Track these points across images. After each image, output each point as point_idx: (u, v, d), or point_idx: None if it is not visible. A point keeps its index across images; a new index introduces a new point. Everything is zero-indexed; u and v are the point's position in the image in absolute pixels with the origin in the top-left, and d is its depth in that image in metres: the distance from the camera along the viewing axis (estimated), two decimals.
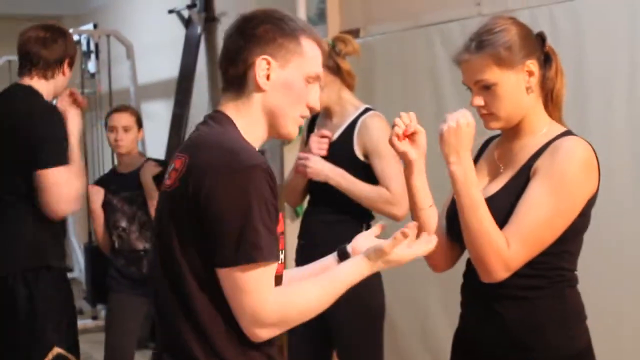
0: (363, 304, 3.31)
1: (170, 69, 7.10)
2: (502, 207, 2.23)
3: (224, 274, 1.90)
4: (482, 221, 2.19)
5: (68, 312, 3.57)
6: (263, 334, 1.93)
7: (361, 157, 3.40)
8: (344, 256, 2.28)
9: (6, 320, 3.47)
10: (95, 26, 8.29)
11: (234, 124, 2.03)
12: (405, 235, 2.08)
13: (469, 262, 2.40)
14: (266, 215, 1.89)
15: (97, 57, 7.66)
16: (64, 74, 3.62)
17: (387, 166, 3.34)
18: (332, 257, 2.30)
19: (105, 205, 4.54)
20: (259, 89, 2.02)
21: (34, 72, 3.57)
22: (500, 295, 2.27)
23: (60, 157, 3.44)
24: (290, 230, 4.91)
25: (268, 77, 2.02)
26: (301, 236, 3.60)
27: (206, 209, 1.88)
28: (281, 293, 1.95)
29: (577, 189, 2.19)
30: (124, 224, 4.49)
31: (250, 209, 1.87)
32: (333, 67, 3.43)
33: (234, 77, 2.04)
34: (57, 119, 3.53)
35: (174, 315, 1.96)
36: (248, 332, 1.92)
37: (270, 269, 1.92)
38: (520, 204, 2.19)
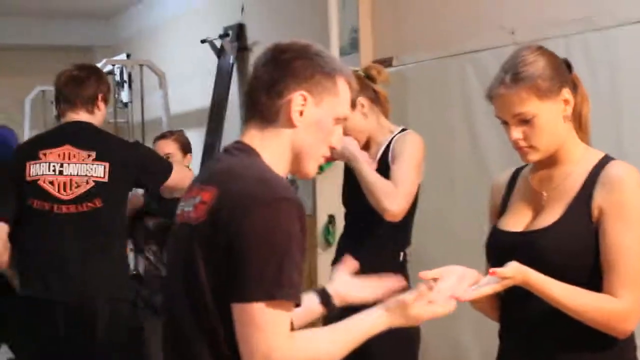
0: (399, 330, 3.27)
1: (202, 98, 7.13)
2: (565, 237, 2.19)
3: (239, 309, 1.81)
4: (580, 304, 2.13)
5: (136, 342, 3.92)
6: None
7: None
8: (324, 295, 2.23)
9: (85, 340, 3.69)
10: (128, 56, 8.35)
11: (260, 156, 1.97)
12: (430, 289, 2.03)
13: (507, 291, 2.35)
14: (294, 251, 1.82)
15: (130, 86, 7.70)
16: (99, 108, 3.90)
17: (401, 167, 3.26)
18: (314, 298, 2.24)
19: (136, 224, 4.50)
20: (290, 124, 1.97)
21: (76, 109, 3.86)
22: (544, 324, 2.22)
23: (167, 162, 4.04)
24: (323, 259, 4.91)
25: (301, 114, 1.96)
26: (335, 263, 3.57)
27: (234, 241, 1.81)
28: (296, 338, 1.86)
29: None
30: (154, 247, 4.47)
31: (277, 244, 1.80)
32: (371, 96, 3.43)
33: (265, 109, 1.98)
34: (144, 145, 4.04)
35: (198, 348, 1.88)
36: None
37: (289, 308, 1.83)
38: (609, 251, 2.15)
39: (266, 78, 1.98)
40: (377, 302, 2.12)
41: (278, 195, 1.84)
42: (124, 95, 7.77)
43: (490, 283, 2.11)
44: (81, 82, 3.86)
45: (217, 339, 1.86)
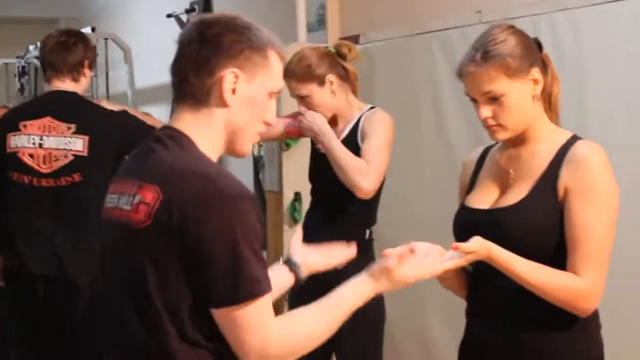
0: (364, 312, 3.28)
1: (168, 73, 7.08)
2: (530, 216, 2.21)
3: (222, 313, 1.77)
4: (542, 281, 2.15)
5: None
6: None
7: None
8: (293, 266, 2.23)
9: (65, 315, 3.67)
10: (93, 29, 8.26)
11: (195, 145, 1.88)
12: (412, 252, 2.03)
13: (474, 269, 2.36)
14: (257, 245, 1.78)
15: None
16: (84, 75, 3.85)
17: (372, 146, 3.27)
18: (284, 269, 2.23)
19: None
20: (223, 104, 1.88)
21: (62, 76, 3.79)
22: (512, 302, 2.24)
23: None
24: (289, 236, 4.90)
25: (234, 92, 1.88)
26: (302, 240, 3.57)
27: (196, 246, 1.74)
28: (285, 324, 1.85)
29: (612, 193, 2.21)
30: None
31: (240, 242, 1.74)
32: (341, 73, 3.42)
33: (196, 89, 1.89)
34: (131, 116, 3.87)
35: (144, 356, 1.81)
36: None
37: (269, 300, 1.80)
38: (573, 229, 2.16)
39: (194, 57, 1.89)
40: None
41: (229, 193, 1.77)
42: None
43: (453, 258, 2.12)
44: (68, 48, 3.80)
45: (167, 341, 1.79)
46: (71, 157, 3.70)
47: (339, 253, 2.34)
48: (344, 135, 3.42)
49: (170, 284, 1.77)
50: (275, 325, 1.81)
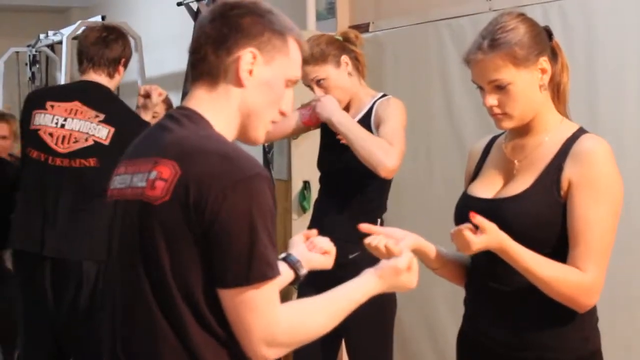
0: (376, 300, 3.28)
1: (178, 61, 7.07)
2: (531, 208, 2.20)
3: (231, 293, 1.75)
4: (549, 274, 2.14)
5: None
6: (270, 354, 1.79)
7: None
8: (292, 262, 2.19)
9: (70, 298, 3.70)
10: (103, 18, 8.26)
11: (211, 125, 1.87)
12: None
13: (474, 259, 2.37)
14: (270, 228, 1.77)
15: None
16: (119, 73, 3.90)
17: (391, 127, 3.27)
18: (284, 265, 2.18)
19: None
20: (239, 83, 1.87)
21: (99, 70, 3.83)
22: (511, 294, 2.24)
23: None
24: (298, 225, 4.91)
25: (250, 72, 1.87)
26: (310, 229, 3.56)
27: (212, 225, 1.73)
28: (292, 312, 1.84)
29: (616, 187, 2.19)
30: None
31: (257, 222, 1.74)
32: (353, 59, 3.43)
33: (213, 67, 1.88)
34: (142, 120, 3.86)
35: (160, 341, 1.79)
36: (255, 352, 1.79)
37: (277, 285, 1.80)
38: (576, 223, 2.15)
39: (214, 34, 1.88)
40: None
41: (249, 173, 1.76)
42: None
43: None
44: (108, 44, 3.84)
45: (182, 322, 1.78)
46: (92, 142, 3.72)
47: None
48: (356, 119, 3.41)
49: (185, 263, 1.76)
50: (283, 312, 1.80)
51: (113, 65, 3.85)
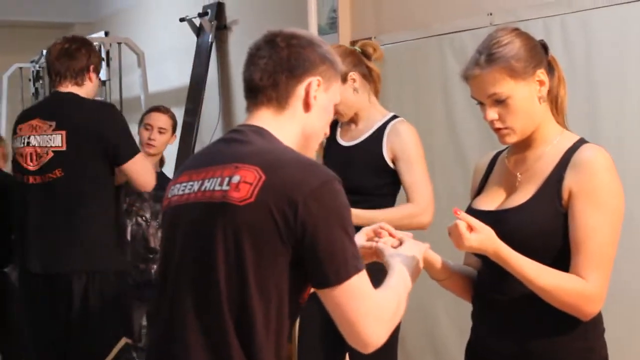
0: None
1: (181, 77, 7.11)
2: (533, 218, 2.21)
3: (337, 291, 1.87)
4: (550, 283, 2.15)
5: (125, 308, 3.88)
6: (383, 333, 1.91)
7: (389, 162, 3.39)
8: None
9: (67, 315, 3.74)
10: (106, 34, 8.31)
11: (281, 141, 2.01)
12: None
13: (480, 272, 2.38)
14: (351, 223, 1.92)
15: (108, 65, 7.66)
16: (90, 80, 3.92)
17: (414, 173, 3.35)
18: None
19: (128, 191, 4.41)
20: (307, 108, 2.04)
21: (66, 81, 3.86)
22: (516, 306, 2.25)
23: (135, 147, 3.87)
24: None
25: (315, 98, 2.04)
26: None
27: (304, 229, 1.85)
28: (384, 294, 1.96)
29: (617, 196, 2.20)
30: (147, 214, 4.46)
31: (344, 220, 1.89)
32: (365, 73, 3.46)
33: (282, 92, 2.02)
34: (116, 112, 3.91)
35: (228, 343, 1.88)
36: (369, 336, 1.89)
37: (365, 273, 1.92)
38: (577, 232, 2.16)
39: (284, 63, 2.02)
40: None
41: (327, 178, 1.90)
42: (102, 74, 7.72)
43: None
44: (72, 55, 3.88)
45: (252, 320, 1.88)
46: (51, 154, 3.76)
47: None
48: (364, 136, 3.43)
49: (267, 262, 1.87)
50: (379, 292, 1.94)
51: (80, 75, 3.88)
